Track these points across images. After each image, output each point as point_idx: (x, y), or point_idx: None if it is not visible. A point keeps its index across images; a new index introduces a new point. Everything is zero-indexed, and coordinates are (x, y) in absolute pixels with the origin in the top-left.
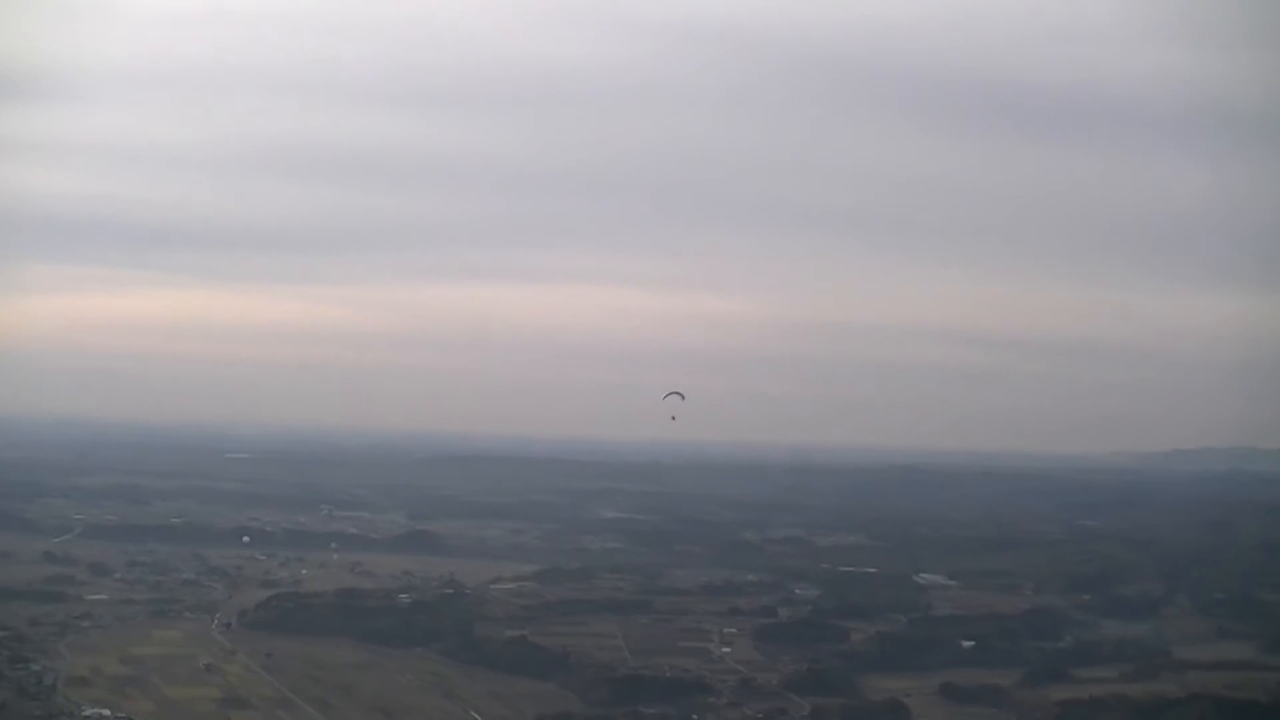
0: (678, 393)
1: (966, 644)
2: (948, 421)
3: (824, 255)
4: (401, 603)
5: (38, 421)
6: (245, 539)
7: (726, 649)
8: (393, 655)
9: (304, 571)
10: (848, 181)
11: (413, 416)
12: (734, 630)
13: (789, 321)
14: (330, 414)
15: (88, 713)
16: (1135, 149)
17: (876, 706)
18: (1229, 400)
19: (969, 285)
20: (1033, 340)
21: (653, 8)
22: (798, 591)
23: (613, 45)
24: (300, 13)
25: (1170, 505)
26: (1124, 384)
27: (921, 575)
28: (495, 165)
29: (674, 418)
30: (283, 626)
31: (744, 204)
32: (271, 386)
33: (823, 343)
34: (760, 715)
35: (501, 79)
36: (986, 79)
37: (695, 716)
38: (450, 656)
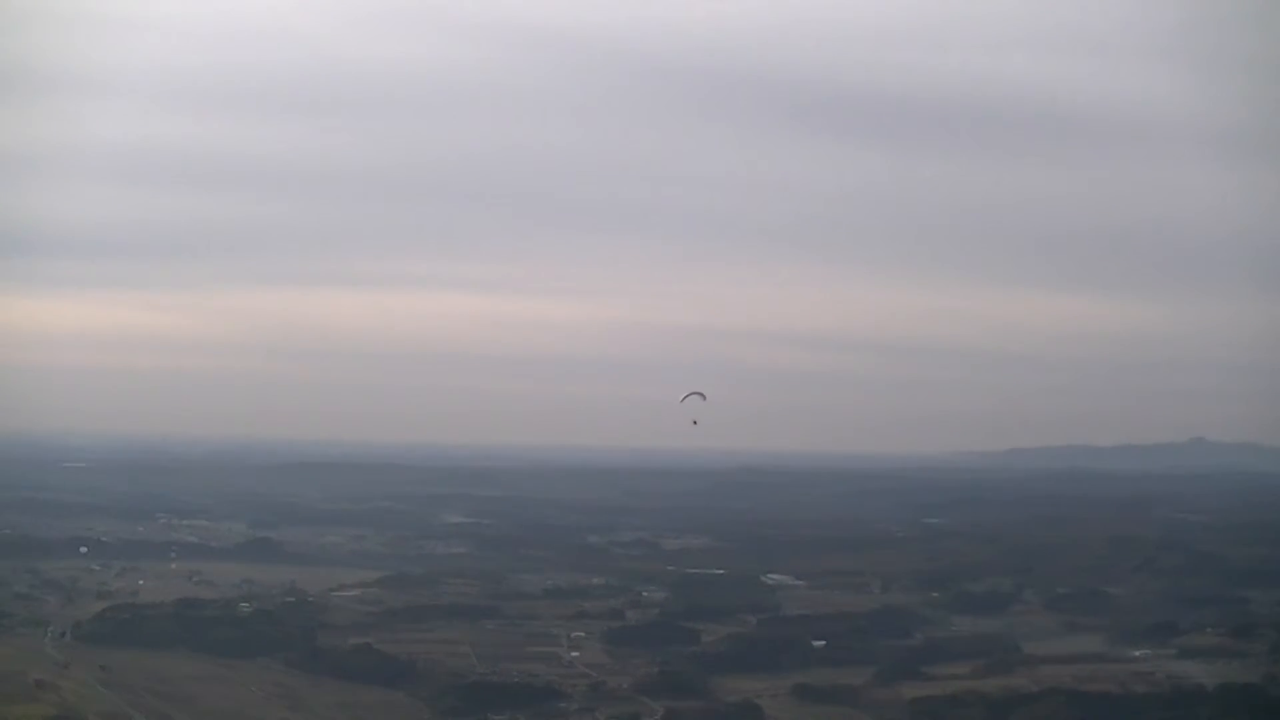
0: (699, 393)
1: (817, 644)
2: (792, 423)
3: (666, 259)
4: (243, 612)
5: None
6: (83, 549)
7: (575, 653)
8: (235, 666)
9: (141, 582)
10: (690, 185)
11: (255, 424)
12: (582, 634)
13: (631, 325)
14: (171, 422)
15: None
16: (978, 150)
17: (730, 708)
18: (1065, 399)
19: (813, 288)
20: (874, 342)
21: (492, 10)
22: (645, 594)
23: (451, 48)
24: (136, 16)
25: (1012, 502)
26: (963, 384)
27: (769, 576)
28: (332, 170)
29: (695, 421)
30: (119, 639)
31: (586, 208)
32: (109, 394)
33: (664, 346)
34: (612, 719)
35: (337, 82)
36: (811, 81)
37: None
38: (294, 666)
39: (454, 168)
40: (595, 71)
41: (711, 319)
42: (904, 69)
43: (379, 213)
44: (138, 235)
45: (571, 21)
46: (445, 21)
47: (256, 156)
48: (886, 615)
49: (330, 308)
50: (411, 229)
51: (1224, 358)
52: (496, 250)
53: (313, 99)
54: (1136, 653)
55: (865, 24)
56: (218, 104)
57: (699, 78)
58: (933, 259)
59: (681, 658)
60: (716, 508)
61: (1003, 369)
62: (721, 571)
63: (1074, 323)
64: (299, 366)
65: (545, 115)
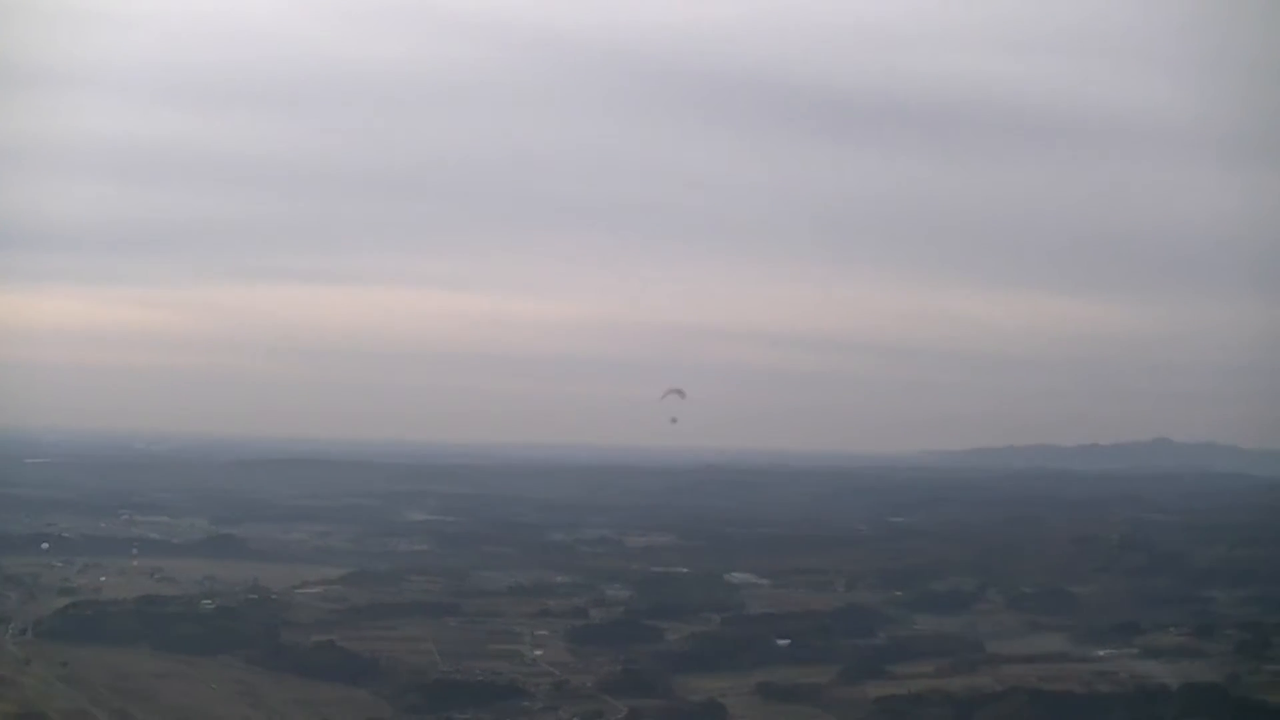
0: (678, 390)
1: (781, 642)
2: (759, 422)
3: (639, 256)
4: (205, 609)
5: None
6: (44, 545)
7: (538, 651)
8: (196, 663)
9: (103, 578)
10: (665, 183)
11: (223, 421)
12: (545, 632)
13: (602, 323)
14: (137, 418)
15: None
16: (958, 152)
17: (694, 707)
18: (1030, 400)
19: (784, 286)
20: (842, 341)
21: (491, 10)
22: (609, 592)
23: (450, 47)
24: (130, 12)
25: (977, 502)
26: (930, 384)
27: (733, 574)
28: (307, 166)
29: (675, 419)
30: (81, 636)
31: (558, 206)
32: (76, 390)
33: (636, 344)
34: (576, 718)
35: (335, 80)
36: (809, 83)
37: None
38: (256, 663)
39: (453, 167)
40: (595, 71)
41: (685, 317)
42: (904, 71)
43: (354, 210)
44: (130, 231)
45: (571, 22)
46: (444, 21)
47: (235, 153)
48: (850, 614)
49: (304, 304)
50: (385, 226)
51: (1197, 360)
52: (467, 248)
53: (309, 96)
54: (1100, 652)
55: (866, 26)
56: (210, 99)
57: (699, 78)
58: (931, 260)
59: (645, 656)
60: (682, 506)
61: (970, 369)
62: (685, 570)
63: (1042, 323)
64: (287, 364)
65: (545, 115)
